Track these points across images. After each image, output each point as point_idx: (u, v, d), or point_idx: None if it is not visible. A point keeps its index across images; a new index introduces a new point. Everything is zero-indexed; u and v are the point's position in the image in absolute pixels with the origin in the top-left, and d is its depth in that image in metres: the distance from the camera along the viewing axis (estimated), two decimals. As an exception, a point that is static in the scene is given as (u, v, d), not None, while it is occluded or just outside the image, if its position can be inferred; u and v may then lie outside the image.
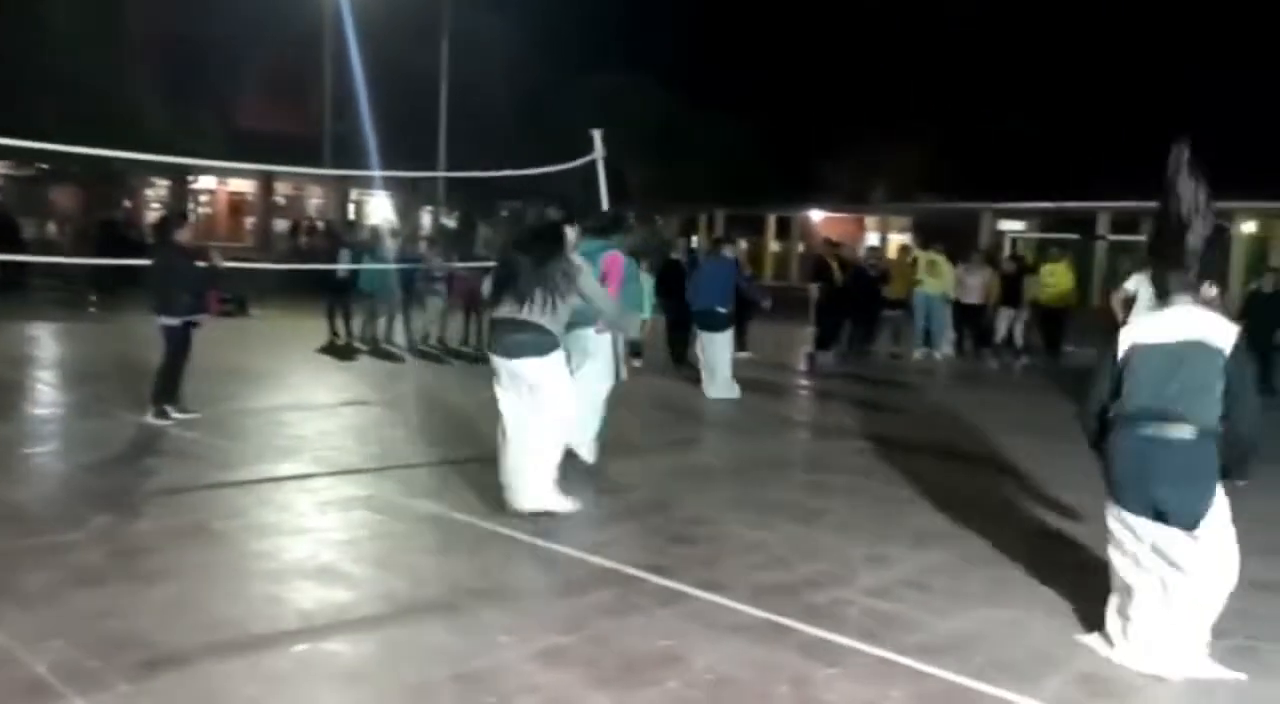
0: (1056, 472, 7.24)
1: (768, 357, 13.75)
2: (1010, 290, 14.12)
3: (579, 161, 11.12)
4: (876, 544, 5.30)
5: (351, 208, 34.15)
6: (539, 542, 5.12)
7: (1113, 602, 4.00)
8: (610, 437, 8.06)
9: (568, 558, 4.90)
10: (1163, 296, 4.04)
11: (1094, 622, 4.22)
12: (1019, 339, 14.20)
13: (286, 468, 6.59)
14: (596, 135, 10.98)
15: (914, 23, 37.84)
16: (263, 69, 30.43)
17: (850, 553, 5.13)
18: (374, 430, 8.09)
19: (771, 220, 40.44)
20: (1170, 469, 3.73)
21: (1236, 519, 3.91)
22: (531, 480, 5.50)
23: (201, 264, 8.32)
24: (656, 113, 32.90)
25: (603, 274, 6.36)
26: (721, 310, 10.41)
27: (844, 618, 4.21)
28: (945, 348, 14.56)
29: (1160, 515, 3.77)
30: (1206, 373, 3.74)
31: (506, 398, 5.60)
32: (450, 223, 29.38)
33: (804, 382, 12.00)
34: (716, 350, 10.32)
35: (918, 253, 15.24)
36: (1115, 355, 3.93)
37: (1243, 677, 3.77)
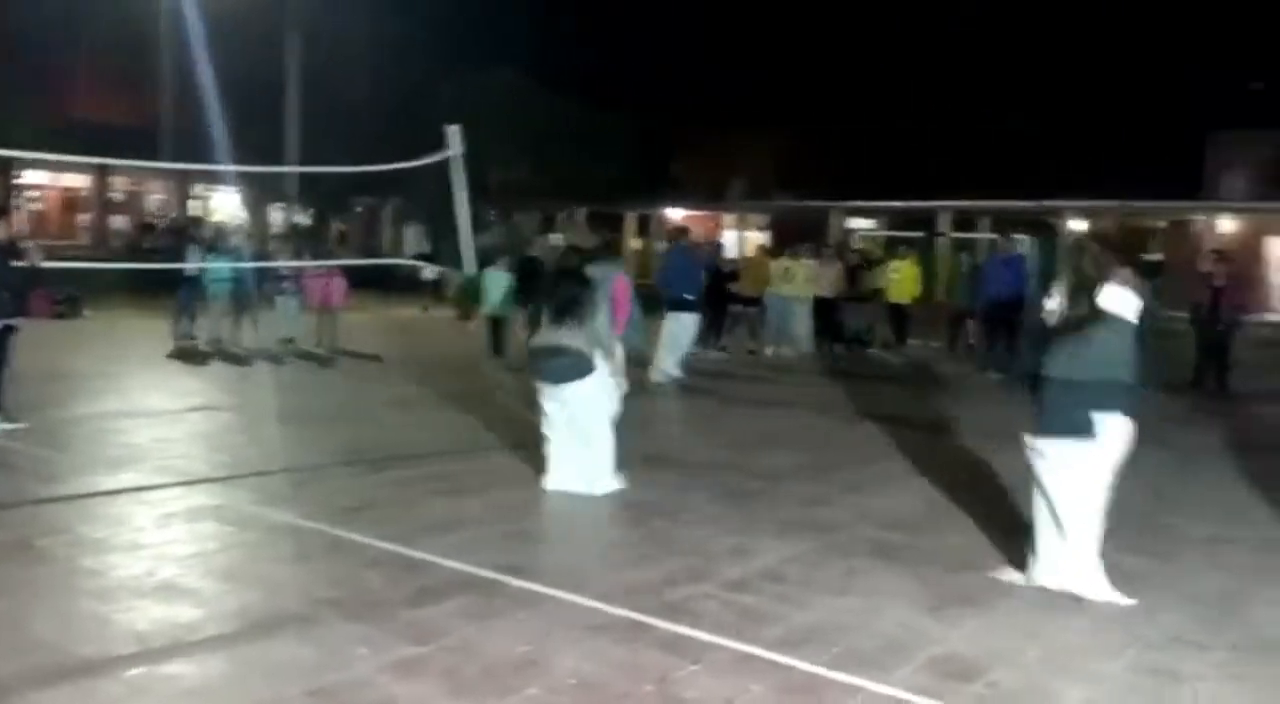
0: (907, 462, 7.51)
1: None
2: (855, 284, 14.60)
3: (434, 157, 10.92)
4: (736, 537, 5.36)
5: (195, 204, 32.66)
6: (395, 548, 4.98)
7: (1039, 534, 4.75)
8: (472, 437, 7.97)
9: (424, 563, 4.78)
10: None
11: (942, 608, 4.39)
12: (864, 333, 14.66)
13: (124, 479, 6.22)
14: (452, 131, 10.82)
15: (769, 22, 38.67)
16: (95, 57, 28.76)
17: (711, 547, 5.18)
18: (222, 437, 7.74)
19: (631, 218, 40.69)
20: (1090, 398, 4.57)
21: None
22: (585, 471, 6.18)
23: (19, 263, 7.76)
24: (516, 109, 32.61)
25: (613, 296, 6.74)
26: (689, 297, 11.71)
27: (705, 613, 4.24)
28: (803, 344, 14.92)
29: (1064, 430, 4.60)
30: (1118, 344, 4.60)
31: (551, 408, 6.26)
32: (303, 220, 28.46)
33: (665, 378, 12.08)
34: (681, 329, 11.48)
35: (774, 260, 15.47)
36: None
37: (1126, 599, 4.52)
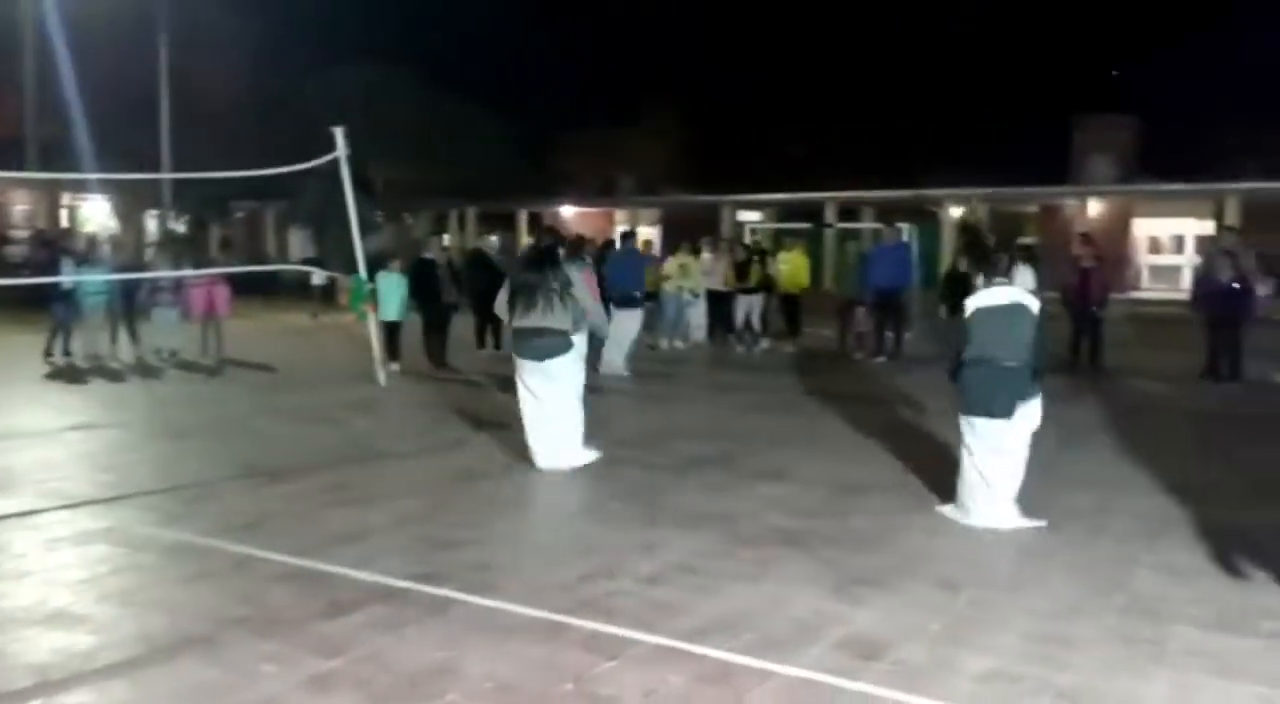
0: (807, 448, 7.69)
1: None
2: (745, 276, 14.83)
3: (322, 160, 10.69)
4: (646, 532, 5.41)
5: (65, 214, 31.21)
6: (299, 561, 4.88)
7: (962, 486, 5.67)
8: (371, 445, 7.86)
9: (331, 576, 4.70)
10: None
11: (847, 589, 4.51)
12: (756, 323, 14.89)
13: (4, 504, 5.93)
14: (338, 133, 10.61)
15: (651, 17, 38.91)
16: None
17: (621, 543, 5.22)
18: (108, 456, 7.44)
19: (523, 216, 40.46)
20: (1004, 385, 5.51)
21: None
22: (563, 443, 6.78)
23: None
24: (395, 106, 32.04)
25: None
26: (637, 293, 12.37)
27: (620, 609, 4.28)
28: (697, 336, 15.12)
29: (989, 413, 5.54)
30: (1023, 326, 5.52)
31: (533, 383, 6.79)
32: (179, 227, 27.46)
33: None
34: (631, 325, 11.96)
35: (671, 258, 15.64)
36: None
37: (1043, 522, 5.52)
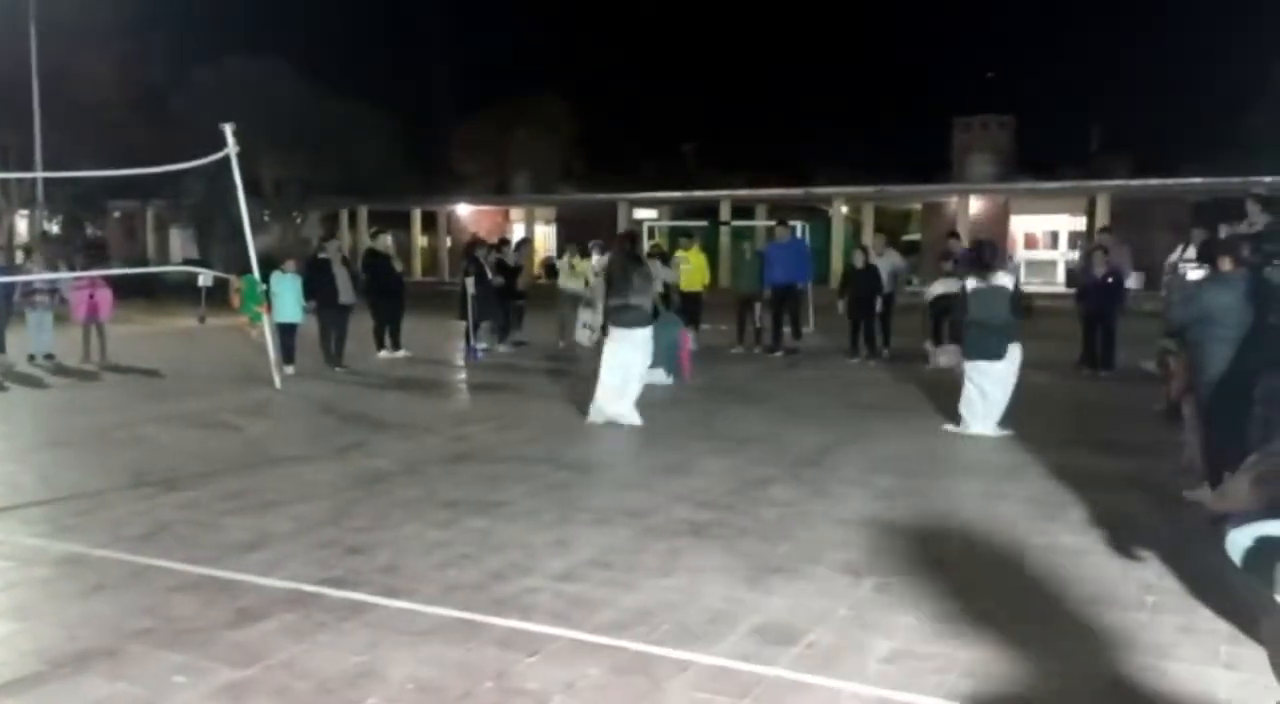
0: (712, 441, 7.81)
1: (421, 352, 13.62)
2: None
3: (210, 158, 10.38)
4: (557, 529, 5.44)
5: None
6: (203, 570, 4.76)
7: (963, 407, 8.17)
8: (269, 450, 7.71)
9: (237, 583, 4.59)
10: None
11: (759, 579, 4.63)
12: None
13: (-125, 522, 5.61)
14: (227, 129, 10.31)
15: (535, 11, 38.82)
16: None
17: (533, 540, 5.24)
18: (-15, 468, 7.09)
19: (417, 215, 39.88)
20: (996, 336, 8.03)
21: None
22: (627, 404, 8.57)
23: None
24: (287, 104, 31.15)
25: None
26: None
27: (535, 605, 4.30)
28: (593, 335, 15.21)
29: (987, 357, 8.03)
30: (1004, 300, 8.03)
31: (621, 351, 8.59)
32: (52, 227, 26.24)
33: (465, 375, 12.00)
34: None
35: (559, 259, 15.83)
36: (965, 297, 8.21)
37: (1009, 432, 7.90)
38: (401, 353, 13.20)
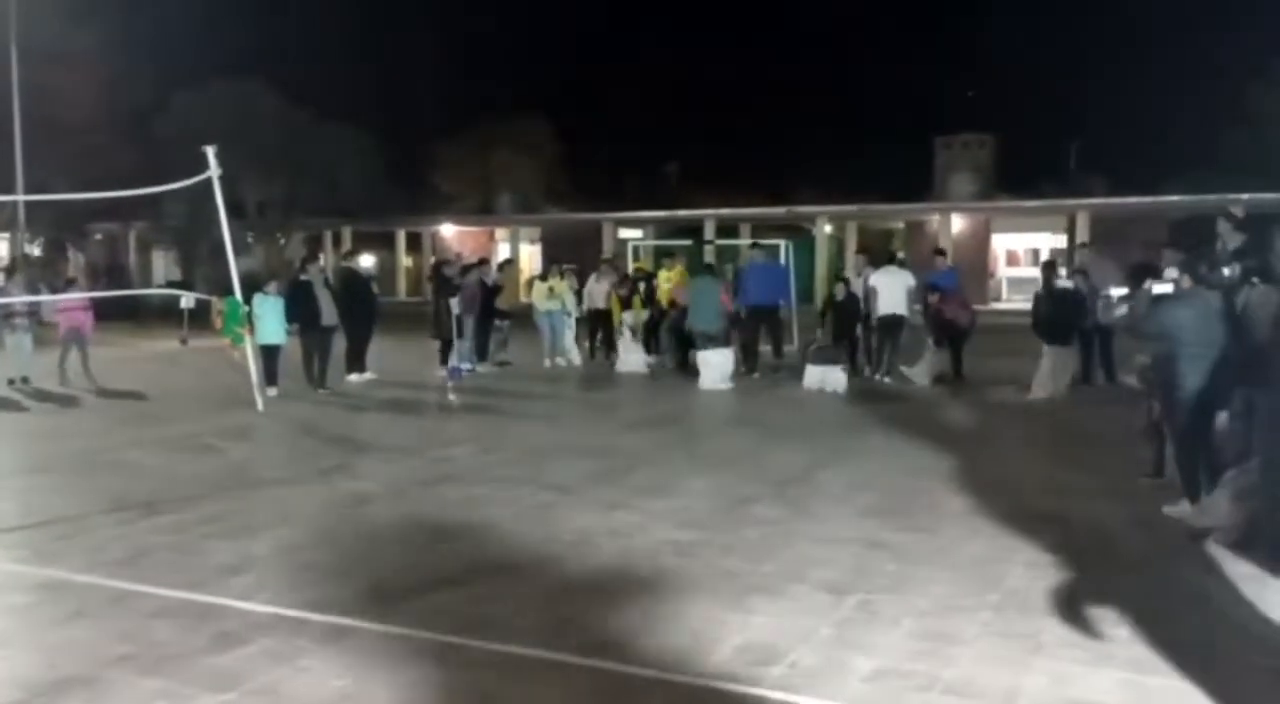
0: (693, 461, 7.81)
1: (401, 374, 13.59)
2: (631, 299, 15.06)
3: (193, 180, 10.38)
4: (540, 549, 5.43)
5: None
6: (184, 595, 4.73)
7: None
8: (251, 473, 7.68)
9: (218, 608, 4.57)
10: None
11: (742, 598, 4.63)
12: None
13: None
14: (210, 152, 10.31)
15: (518, 33, 39.00)
16: None
17: (516, 559, 5.23)
18: (-37, 493, 7.03)
19: (401, 235, 39.88)
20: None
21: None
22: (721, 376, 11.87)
23: None
24: (271, 126, 31.14)
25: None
26: None
27: (519, 627, 4.29)
28: (574, 356, 15.24)
29: None
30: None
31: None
32: (34, 250, 26.11)
33: (448, 396, 11.96)
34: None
35: (539, 279, 15.80)
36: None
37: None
38: (367, 375, 12.95)
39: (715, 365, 12.38)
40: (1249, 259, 6.20)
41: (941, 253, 14.42)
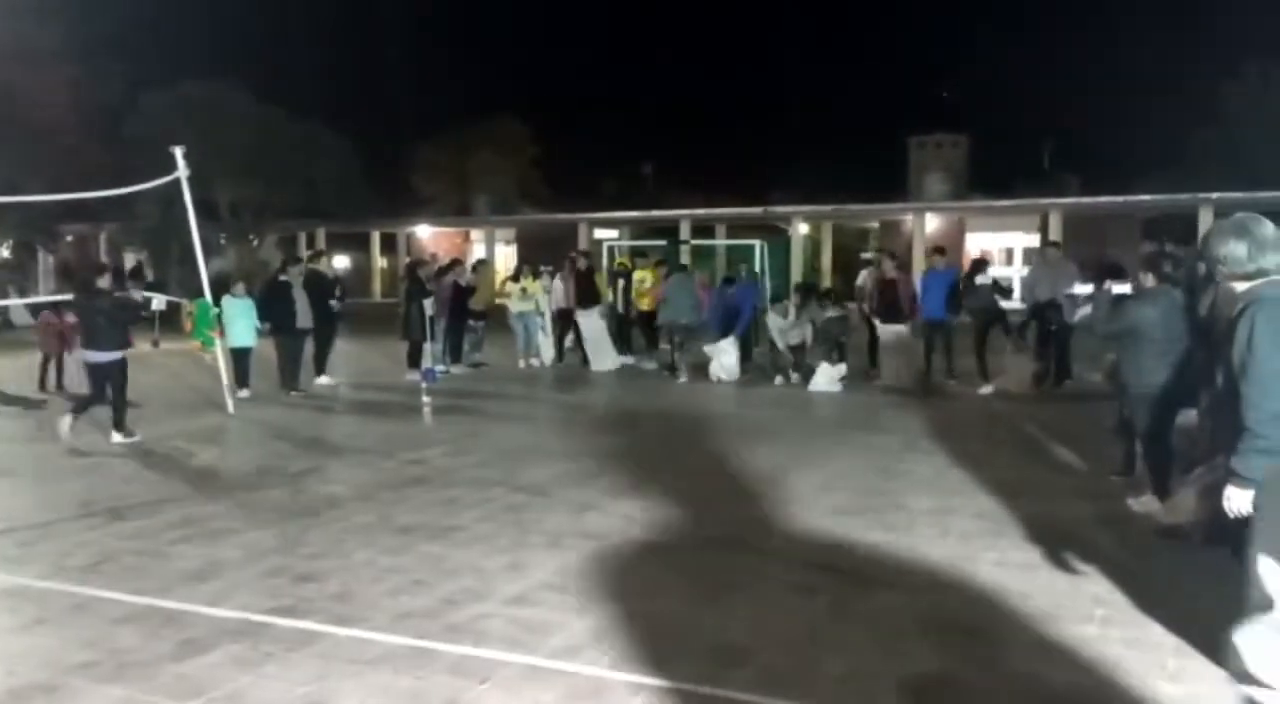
0: (664, 463, 7.80)
1: (374, 376, 13.50)
2: (588, 298, 15.02)
3: (162, 180, 10.27)
4: (511, 553, 5.40)
5: None
6: (149, 601, 4.67)
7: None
8: (220, 477, 7.60)
9: (183, 614, 4.51)
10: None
11: (715, 597, 4.62)
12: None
13: None
14: (178, 152, 10.22)
15: (492, 31, 38.90)
16: None
17: (487, 564, 5.19)
18: (-75, 499, 6.92)
19: (376, 237, 39.66)
20: None
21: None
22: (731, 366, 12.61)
23: None
24: (242, 126, 30.87)
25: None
26: None
27: (488, 631, 4.26)
28: (546, 354, 15.21)
29: None
30: None
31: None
32: (3, 252, 25.77)
33: (421, 398, 11.89)
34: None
35: (511, 280, 15.71)
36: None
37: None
38: (326, 379, 12.87)
39: (726, 350, 13.02)
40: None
41: (941, 251, 14.35)
